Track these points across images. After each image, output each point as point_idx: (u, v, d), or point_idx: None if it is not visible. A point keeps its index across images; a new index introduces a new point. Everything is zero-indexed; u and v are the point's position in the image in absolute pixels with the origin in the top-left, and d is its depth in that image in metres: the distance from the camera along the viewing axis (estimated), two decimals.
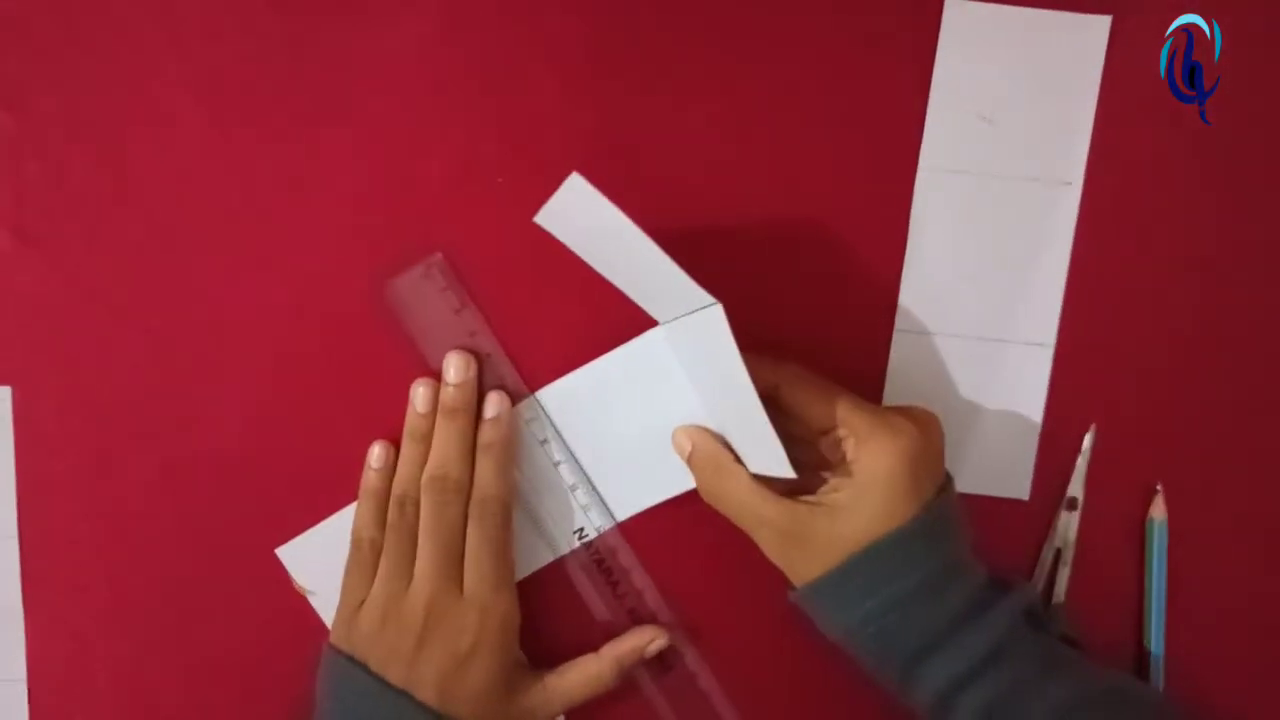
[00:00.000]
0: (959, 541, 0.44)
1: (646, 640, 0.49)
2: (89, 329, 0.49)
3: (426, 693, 0.45)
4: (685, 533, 0.50)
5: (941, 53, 0.48)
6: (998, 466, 0.50)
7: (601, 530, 0.50)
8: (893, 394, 0.50)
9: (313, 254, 0.49)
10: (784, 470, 0.42)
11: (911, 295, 0.49)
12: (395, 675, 0.45)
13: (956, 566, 0.44)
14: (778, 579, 0.46)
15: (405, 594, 0.46)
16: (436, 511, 0.47)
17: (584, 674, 0.48)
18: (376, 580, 0.47)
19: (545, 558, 0.50)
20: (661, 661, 0.50)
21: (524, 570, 0.50)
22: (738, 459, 0.45)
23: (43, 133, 0.49)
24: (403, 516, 0.47)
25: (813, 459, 0.45)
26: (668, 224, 0.49)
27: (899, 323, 0.50)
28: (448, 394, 0.48)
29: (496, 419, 0.48)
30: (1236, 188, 0.49)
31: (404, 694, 0.45)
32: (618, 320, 0.48)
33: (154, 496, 0.50)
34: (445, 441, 0.47)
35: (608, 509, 0.50)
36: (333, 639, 0.48)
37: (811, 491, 0.44)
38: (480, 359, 0.49)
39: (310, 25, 0.48)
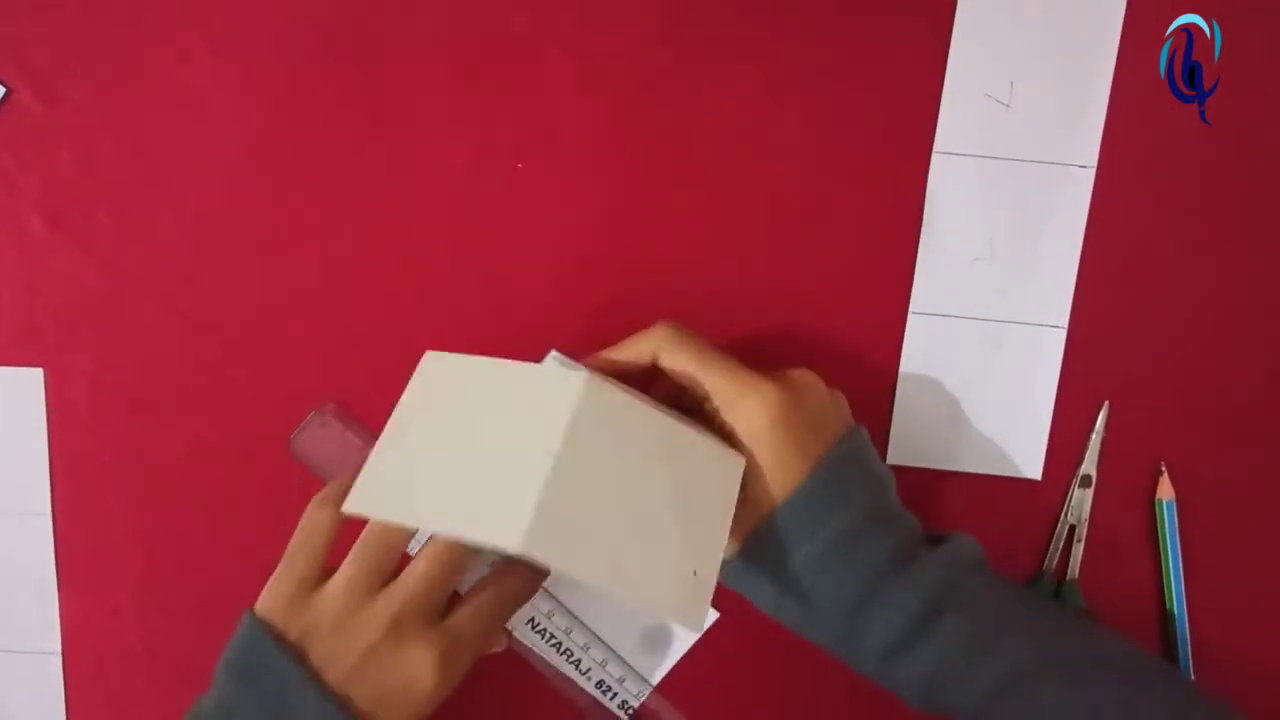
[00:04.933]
0: (874, 492, 0.43)
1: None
2: (119, 313, 0.51)
3: (362, 705, 0.41)
4: None
5: (957, 35, 0.49)
6: (1011, 447, 0.50)
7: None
8: (907, 375, 0.50)
9: (339, 237, 0.50)
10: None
11: (926, 277, 0.50)
12: (331, 677, 0.41)
13: (875, 518, 0.42)
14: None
15: (372, 602, 0.41)
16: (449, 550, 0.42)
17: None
18: (346, 574, 0.42)
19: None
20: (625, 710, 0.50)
21: None
22: None
23: (74, 121, 0.50)
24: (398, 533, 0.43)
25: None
26: (682, 205, 0.50)
27: (914, 304, 0.50)
28: None
29: None
30: (1240, 178, 0.49)
31: (336, 703, 0.40)
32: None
33: (184, 475, 0.51)
34: None
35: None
36: (262, 609, 0.42)
37: None
38: None
39: (334, 17, 0.49)
